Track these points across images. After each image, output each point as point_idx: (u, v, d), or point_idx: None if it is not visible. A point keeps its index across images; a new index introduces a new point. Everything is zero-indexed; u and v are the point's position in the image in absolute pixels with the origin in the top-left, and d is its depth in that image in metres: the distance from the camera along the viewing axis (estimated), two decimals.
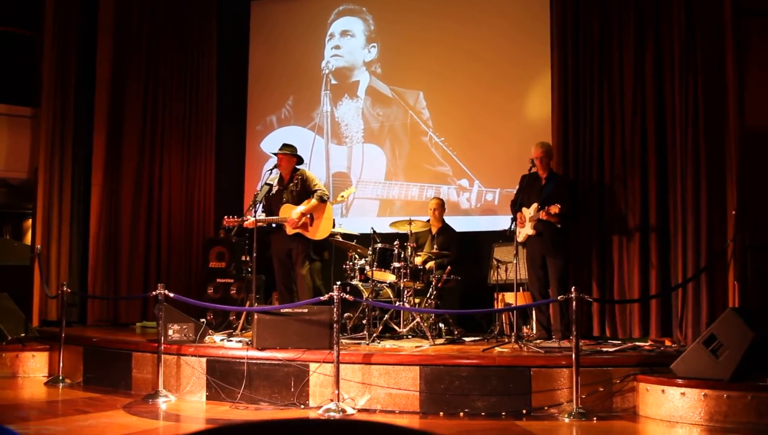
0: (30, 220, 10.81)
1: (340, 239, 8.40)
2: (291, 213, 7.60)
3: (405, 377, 6.12)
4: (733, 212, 6.53)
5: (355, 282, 8.03)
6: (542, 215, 7.17)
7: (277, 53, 10.57)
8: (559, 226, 7.30)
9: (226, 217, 7.73)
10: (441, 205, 8.73)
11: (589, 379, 5.89)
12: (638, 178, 7.61)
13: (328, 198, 7.82)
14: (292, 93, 10.48)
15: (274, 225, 7.72)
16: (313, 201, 7.62)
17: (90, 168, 9.82)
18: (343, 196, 8.46)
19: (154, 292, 6.93)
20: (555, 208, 6.98)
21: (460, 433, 5.48)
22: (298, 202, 7.68)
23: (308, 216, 7.62)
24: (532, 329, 7.77)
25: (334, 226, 8.22)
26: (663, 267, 7.40)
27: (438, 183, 9.54)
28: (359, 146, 10.07)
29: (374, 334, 7.27)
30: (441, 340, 7.45)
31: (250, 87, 10.68)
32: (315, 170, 9.88)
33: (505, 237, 7.94)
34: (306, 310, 6.61)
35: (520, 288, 7.71)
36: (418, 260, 8.08)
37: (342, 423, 1.64)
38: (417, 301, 8.09)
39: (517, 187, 7.67)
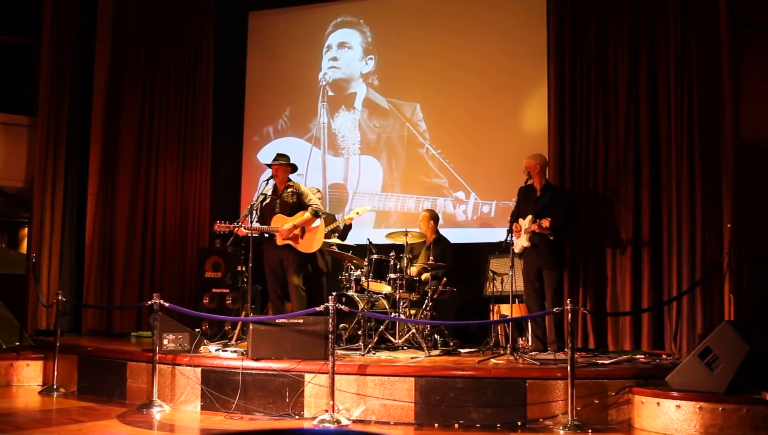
0: (26, 229, 10.79)
1: (336, 250, 8.41)
2: (283, 224, 7.62)
3: (400, 388, 6.12)
4: (729, 225, 6.54)
5: (350, 293, 8.03)
6: (535, 228, 7.20)
7: (275, 64, 10.59)
8: (551, 238, 7.31)
9: (217, 222, 7.68)
10: (430, 217, 8.70)
11: (585, 391, 5.90)
12: (635, 189, 7.58)
13: (323, 213, 7.83)
14: (289, 104, 10.50)
15: (267, 235, 7.72)
16: (307, 214, 7.64)
17: (86, 177, 9.80)
18: (358, 213, 8.49)
19: (149, 302, 6.92)
20: (546, 223, 7.04)
21: None
22: (291, 214, 7.69)
23: (300, 229, 7.64)
24: (527, 341, 7.77)
25: (330, 238, 8.25)
26: (658, 279, 7.39)
27: (434, 195, 9.55)
28: (356, 158, 10.08)
29: (369, 345, 7.26)
30: (436, 352, 7.44)
31: (247, 98, 10.69)
32: (312, 181, 9.92)
33: (501, 249, 7.97)
34: (301, 321, 6.61)
35: (516, 300, 7.72)
36: (413, 270, 8.09)
37: (337, 433, 1.63)
38: (413, 312, 8.08)
39: (516, 198, 7.69)
